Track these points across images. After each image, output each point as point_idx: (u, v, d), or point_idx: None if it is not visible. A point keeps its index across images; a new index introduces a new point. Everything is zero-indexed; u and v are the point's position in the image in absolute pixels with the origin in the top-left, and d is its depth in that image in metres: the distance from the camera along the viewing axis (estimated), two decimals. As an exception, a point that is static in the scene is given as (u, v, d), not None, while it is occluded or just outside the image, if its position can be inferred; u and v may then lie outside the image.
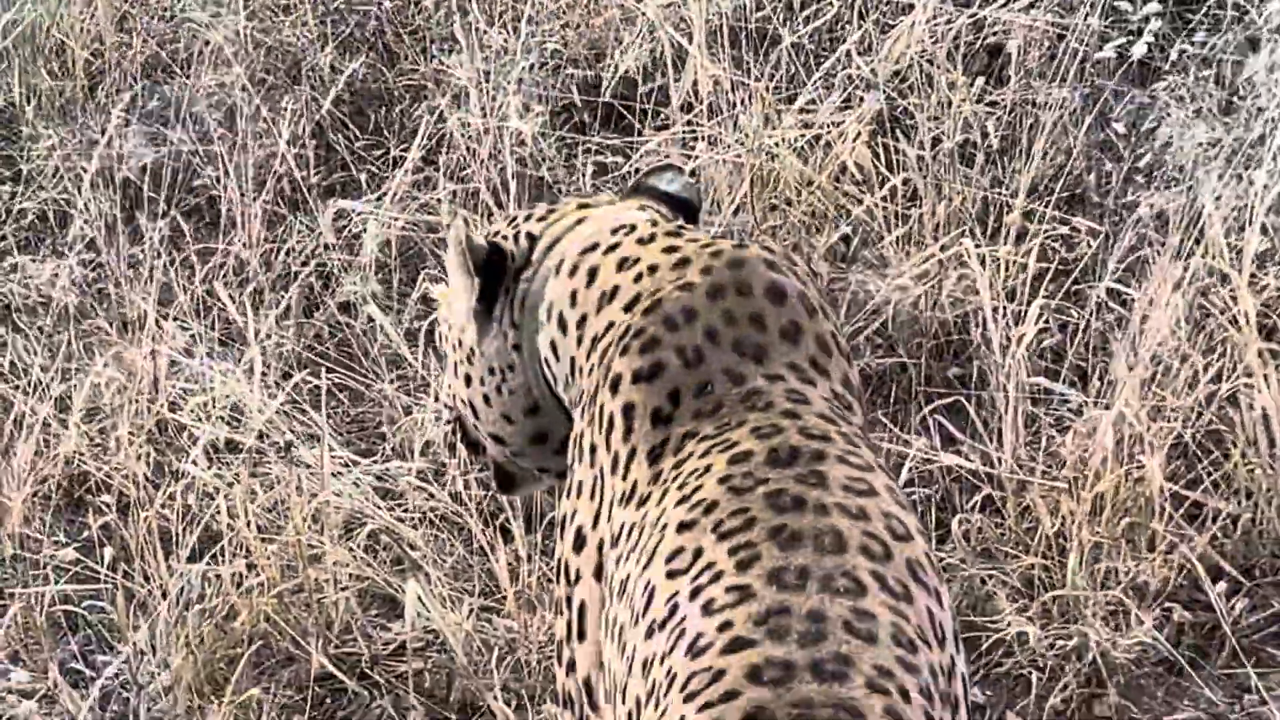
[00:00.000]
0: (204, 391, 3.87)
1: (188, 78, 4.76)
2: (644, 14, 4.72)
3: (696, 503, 2.48)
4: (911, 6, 4.62)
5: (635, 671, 2.44)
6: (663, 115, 4.59)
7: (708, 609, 2.36)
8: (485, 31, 4.76)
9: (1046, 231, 4.20)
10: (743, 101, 4.41)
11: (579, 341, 2.79)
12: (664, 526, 2.48)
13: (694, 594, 2.38)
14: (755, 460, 2.51)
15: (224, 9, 4.82)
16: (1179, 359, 3.84)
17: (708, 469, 2.52)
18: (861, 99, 4.45)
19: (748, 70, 4.52)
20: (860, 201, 4.29)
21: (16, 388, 3.90)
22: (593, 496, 2.68)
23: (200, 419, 3.81)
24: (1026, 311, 3.89)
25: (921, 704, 2.32)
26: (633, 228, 2.83)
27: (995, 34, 4.73)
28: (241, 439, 3.79)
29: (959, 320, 4.14)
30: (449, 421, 3.35)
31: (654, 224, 2.85)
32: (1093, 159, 4.49)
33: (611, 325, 2.72)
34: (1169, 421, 3.80)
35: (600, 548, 2.67)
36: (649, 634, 2.42)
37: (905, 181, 4.31)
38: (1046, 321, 4.04)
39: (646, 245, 2.78)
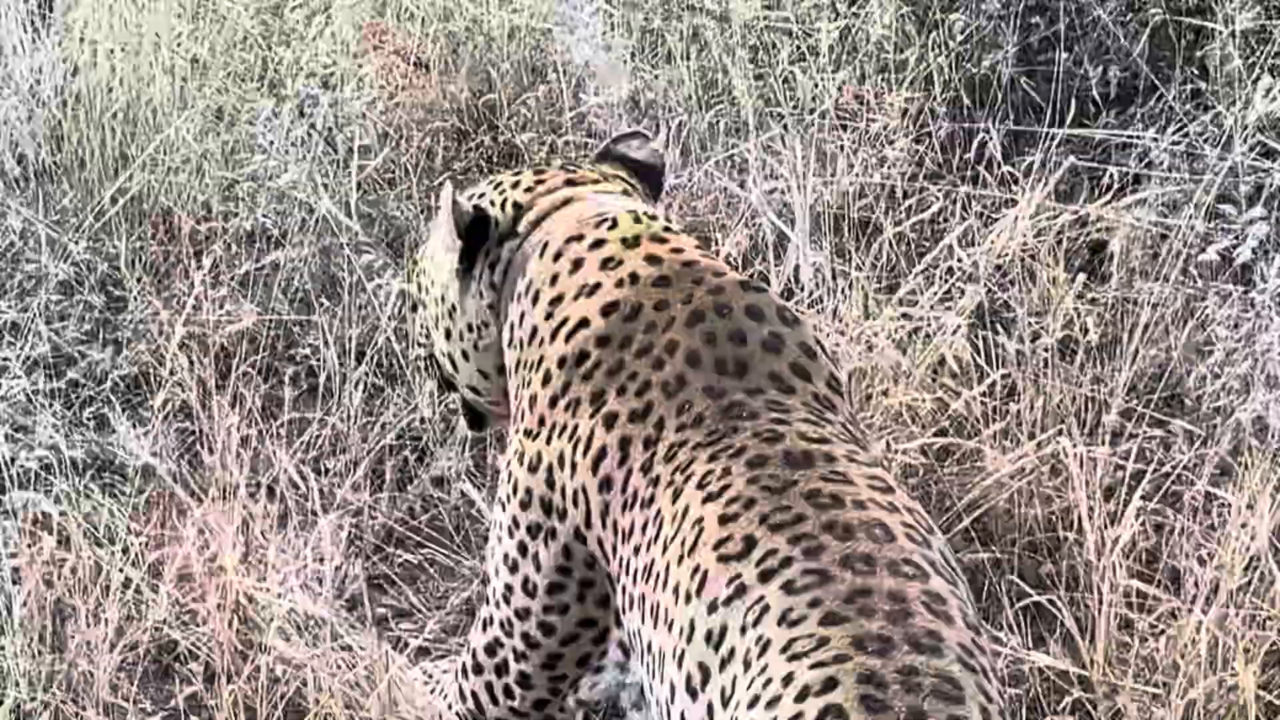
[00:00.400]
0: (295, 559, 3.89)
1: (292, 246, 4.82)
2: (746, 199, 4.75)
3: (732, 499, 2.77)
4: (1014, 201, 4.64)
5: (696, 639, 2.70)
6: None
7: (789, 588, 2.62)
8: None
9: (1144, 432, 4.18)
10: (843, 290, 4.42)
11: (548, 317, 3.07)
12: (698, 520, 2.77)
13: (764, 577, 2.66)
14: (774, 462, 2.81)
15: (331, 179, 4.89)
16: (1276, 565, 3.79)
17: (727, 470, 2.81)
18: (962, 291, 4.45)
19: (849, 259, 4.54)
20: (958, 395, 4.28)
21: (109, 552, 3.92)
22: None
23: (284, 591, 3.82)
24: (1122, 512, 3.86)
25: (996, 685, 2.59)
26: (616, 223, 3.13)
27: (1098, 231, 4.74)
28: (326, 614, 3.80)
29: (1053, 518, 4.11)
30: (420, 359, 3.50)
31: (637, 220, 3.14)
32: (1192, 360, 4.47)
33: (586, 321, 3.02)
34: (1264, 630, 3.74)
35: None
36: (711, 609, 2.68)
37: (1004, 376, 4.30)
38: (1142, 523, 4.01)
39: (631, 249, 3.08)
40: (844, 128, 4.98)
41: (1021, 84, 5.04)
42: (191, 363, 4.37)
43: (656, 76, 5.17)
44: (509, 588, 3.09)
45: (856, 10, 5.24)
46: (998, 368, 4.30)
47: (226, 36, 5.22)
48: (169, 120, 4.93)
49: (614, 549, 2.94)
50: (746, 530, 2.72)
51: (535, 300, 3.11)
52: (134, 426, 4.33)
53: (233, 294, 4.65)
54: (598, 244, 3.09)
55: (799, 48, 5.21)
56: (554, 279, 3.09)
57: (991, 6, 5.06)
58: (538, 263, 3.13)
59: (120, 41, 5.04)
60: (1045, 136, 4.84)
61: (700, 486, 2.81)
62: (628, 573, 2.91)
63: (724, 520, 2.75)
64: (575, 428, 2.99)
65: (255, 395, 4.29)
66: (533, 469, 3.04)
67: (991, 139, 4.84)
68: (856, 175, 4.82)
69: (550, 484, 3.02)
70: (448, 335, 3.31)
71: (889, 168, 4.87)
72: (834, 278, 4.45)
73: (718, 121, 5.05)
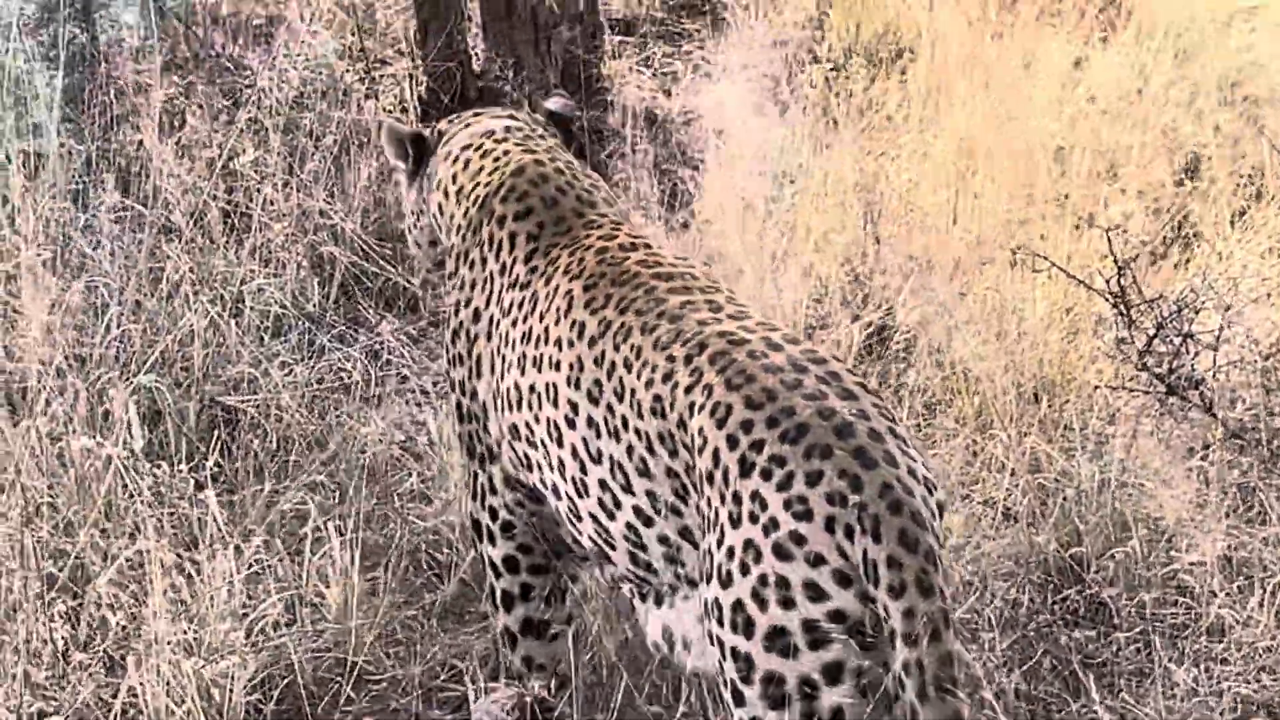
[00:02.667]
0: None
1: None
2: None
3: (590, 274, 4.21)
4: None
5: (587, 366, 4.10)
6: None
7: (640, 313, 4.08)
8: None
9: None
10: None
11: (458, 202, 4.61)
12: (568, 293, 4.21)
13: (621, 312, 4.10)
14: (613, 249, 4.25)
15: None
16: None
17: (583, 259, 4.26)
18: None
19: None
20: None
21: None
22: (484, 289, 4.43)
23: None
24: None
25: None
26: (493, 133, 4.69)
27: None
28: None
29: None
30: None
31: (508, 131, 4.70)
32: None
33: (478, 186, 4.56)
34: None
35: (492, 319, 4.39)
36: (592, 344, 4.11)
37: None
38: None
39: (501, 143, 4.64)
40: None
41: None
42: None
43: (1251, 535, 5.07)
44: (458, 359, 4.45)
45: None
46: None
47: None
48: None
49: (497, 321, 4.37)
50: (604, 291, 4.14)
51: (446, 194, 4.66)
52: None
53: None
54: (479, 148, 4.66)
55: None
56: (454, 177, 4.65)
57: None
58: (444, 165, 4.69)
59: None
60: None
61: (565, 272, 4.25)
62: (506, 341, 4.32)
63: (586, 289, 4.18)
64: (482, 239, 4.48)
65: None
66: (459, 286, 4.50)
67: None
68: None
69: (472, 285, 4.47)
70: (412, 224, 4.84)
71: None
72: None
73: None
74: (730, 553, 3.67)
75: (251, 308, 5.63)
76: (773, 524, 3.62)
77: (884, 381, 5.73)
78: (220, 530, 4.51)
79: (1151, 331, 5.39)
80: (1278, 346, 5.50)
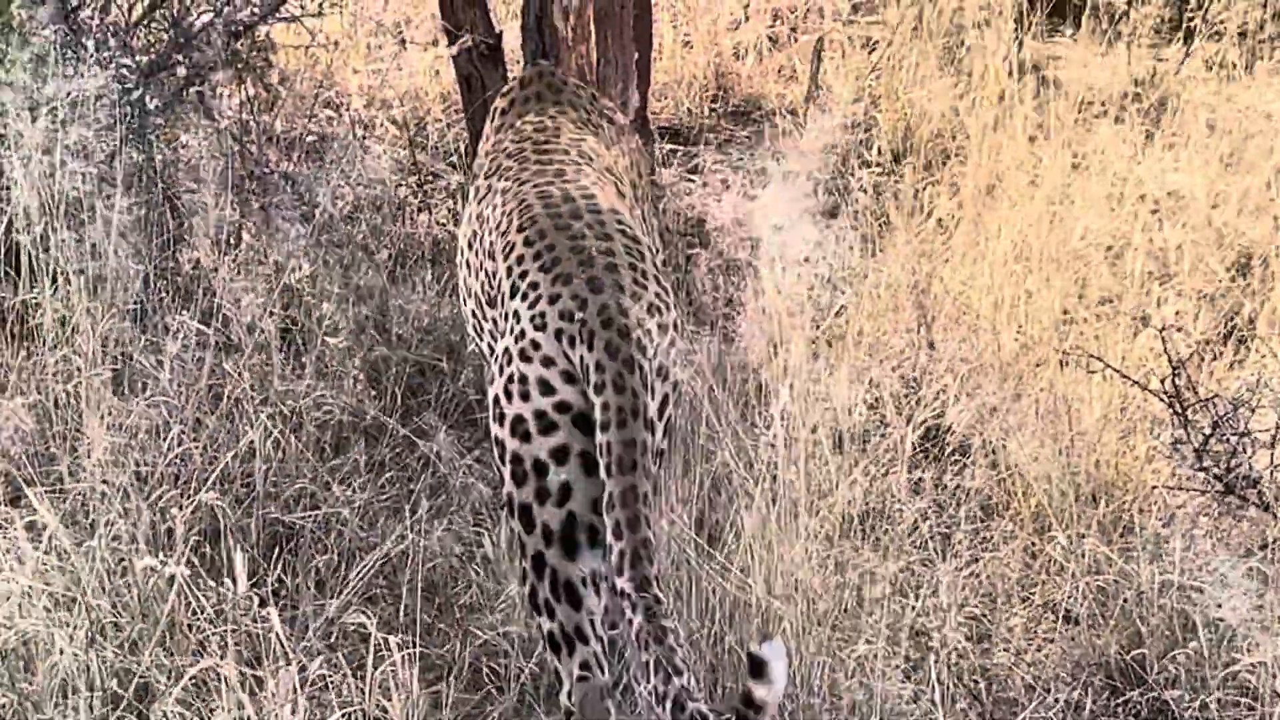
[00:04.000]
0: None
1: None
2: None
3: (506, 149, 5.45)
4: None
5: (467, 235, 5.31)
6: None
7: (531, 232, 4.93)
8: None
9: None
10: None
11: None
12: (495, 163, 5.44)
13: (503, 192, 5.20)
14: (530, 129, 5.55)
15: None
16: None
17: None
18: None
19: None
20: None
21: None
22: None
23: None
24: None
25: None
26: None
27: None
28: None
29: None
30: None
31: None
32: None
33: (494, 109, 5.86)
34: None
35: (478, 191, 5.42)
36: (479, 201, 5.32)
37: None
38: None
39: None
40: None
41: None
42: None
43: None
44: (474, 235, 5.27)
45: None
46: None
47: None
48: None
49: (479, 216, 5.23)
50: (499, 162, 5.38)
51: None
52: None
53: None
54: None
55: None
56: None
57: None
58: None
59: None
60: None
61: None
62: (482, 224, 5.16)
63: (497, 161, 5.40)
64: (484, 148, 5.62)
65: None
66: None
67: None
68: None
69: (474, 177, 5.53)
70: None
71: None
72: None
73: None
74: (497, 357, 4.74)
75: (311, 422, 5.68)
76: (521, 334, 4.67)
77: (940, 484, 5.74)
78: (283, 646, 4.53)
79: (1208, 431, 5.38)
80: (1334, 444, 5.49)
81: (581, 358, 4.56)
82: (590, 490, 4.56)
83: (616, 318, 4.57)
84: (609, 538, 4.41)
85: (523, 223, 4.90)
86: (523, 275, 4.76)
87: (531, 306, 4.67)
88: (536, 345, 4.63)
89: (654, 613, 4.27)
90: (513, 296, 4.76)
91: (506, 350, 4.69)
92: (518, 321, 4.69)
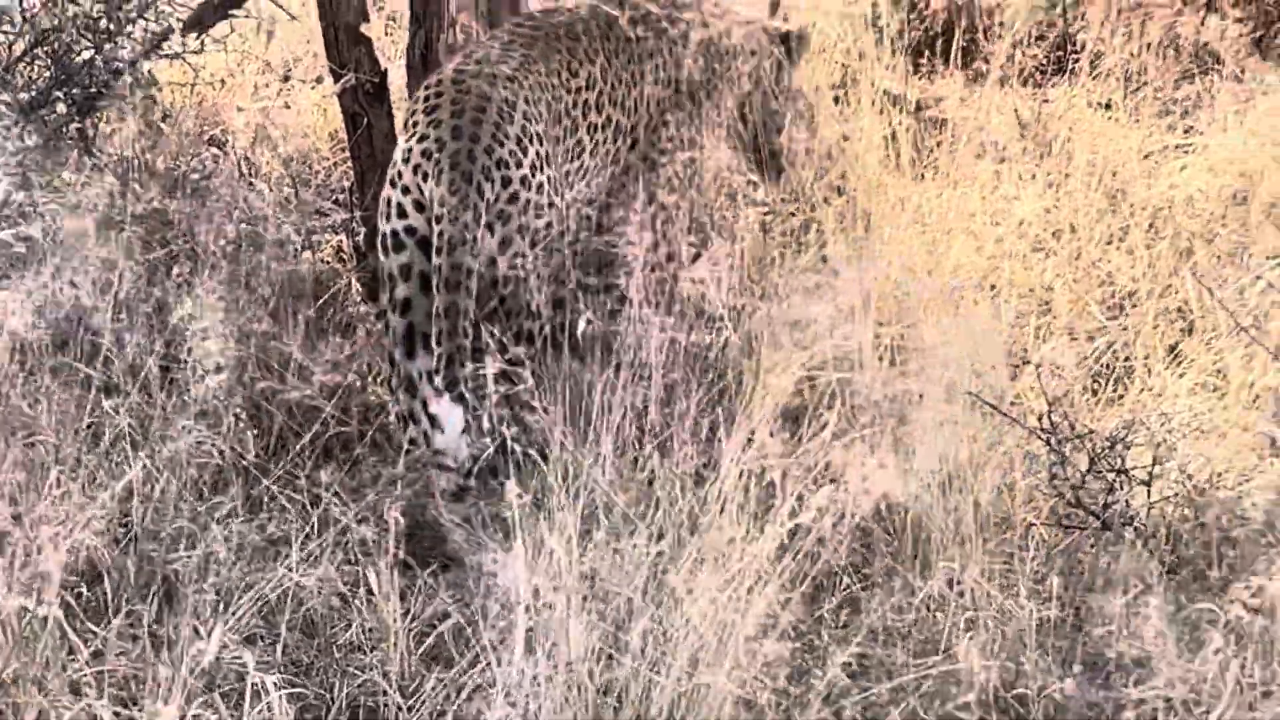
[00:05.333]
0: None
1: None
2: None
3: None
4: None
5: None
6: None
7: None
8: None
9: None
10: None
11: None
12: None
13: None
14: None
15: None
16: None
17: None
18: None
19: None
20: None
21: None
22: None
23: None
24: None
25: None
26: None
27: None
28: None
29: None
30: None
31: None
32: None
33: None
34: None
35: None
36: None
37: None
38: None
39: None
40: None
41: None
42: None
43: (1195, 670, 5.08)
44: None
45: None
46: None
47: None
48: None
49: None
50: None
51: None
52: None
53: None
54: None
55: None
56: None
57: None
58: None
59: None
60: None
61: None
62: None
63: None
64: None
65: None
66: None
67: None
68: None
69: None
70: None
71: None
72: None
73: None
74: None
75: (191, 463, 5.64)
76: (395, 165, 5.68)
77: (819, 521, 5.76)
78: (161, 687, 4.49)
79: (1084, 469, 5.44)
80: (1210, 482, 5.56)
81: (430, 191, 5.59)
82: (425, 305, 5.61)
83: (462, 162, 5.58)
84: (432, 343, 5.49)
85: (439, 77, 5.88)
86: (412, 114, 5.78)
87: (406, 141, 5.68)
88: (399, 175, 5.68)
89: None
90: (404, 133, 5.77)
91: (388, 177, 5.73)
92: (398, 154, 5.71)
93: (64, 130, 6.58)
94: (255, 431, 6.07)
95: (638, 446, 5.39)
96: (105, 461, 5.49)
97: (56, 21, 6.75)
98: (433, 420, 5.75)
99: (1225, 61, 8.50)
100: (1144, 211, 7.53)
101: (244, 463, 5.88)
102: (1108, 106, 8.64)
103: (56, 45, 6.75)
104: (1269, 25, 9.41)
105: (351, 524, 5.53)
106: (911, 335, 6.40)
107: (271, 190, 7.59)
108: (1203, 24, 8.49)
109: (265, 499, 5.78)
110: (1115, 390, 6.45)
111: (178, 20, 7.06)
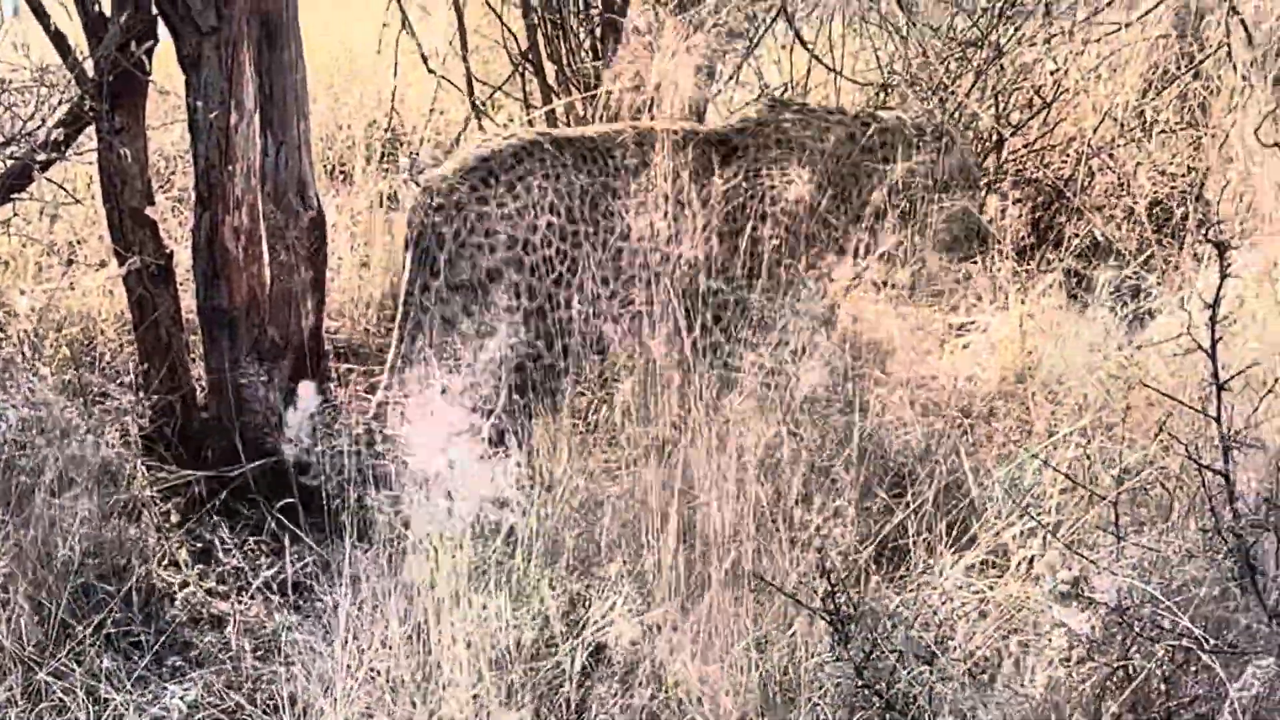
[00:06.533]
0: None
1: None
2: None
3: None
4: None
5: None
6: None
7: None
8: None
9: None
10: None
11: None
12: None
13: None
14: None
15: None
16: None
17: None
18: None
19: None
20: None
21: None
22: None
23: None
24: None
25: None
26: None
27: None
28: None
29: None
30: None
31: None
32: None
33: None
34: None
35: None
36: None
37: None
38: None
39: None
40: None
41: None
42: None
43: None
44: None
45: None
46: None
47: None
48: None
49: None
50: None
51: None
52: None
53: None
54: None
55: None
56: None
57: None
58: None
59: None
60: None
61: None
62: None
63: None
64: None
65: None
66: None
67: None
68: None
69: None
70: None
71: None
72: None
73: None
74: None
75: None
76: None
77: (603, 706, 5.77)
78: None
79: (867, 649, 5.52)
80: (990, 661, 5.66)
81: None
82: None
83: (444, 229, 6.71)
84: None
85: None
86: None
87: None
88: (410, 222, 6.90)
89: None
90: None
91: None
92: None
93: None
94: (37, 619, 5.96)
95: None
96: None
97: None
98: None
99: (1005, 240, 8.73)
100: (920, 389, 7.70)
101: (24, 652, 5.77)
102: (890, 286, 8.84)
103: None
104: (1047, 206, 9.73)
105: (130, 714, 5.45)
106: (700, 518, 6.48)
107: (55, 374, 7.51)
108: (982, 207, 8.73)
109: (43, 690, 5.67)
110: (897, 569, 6.55)
111: (-42, 203, 7.01)
